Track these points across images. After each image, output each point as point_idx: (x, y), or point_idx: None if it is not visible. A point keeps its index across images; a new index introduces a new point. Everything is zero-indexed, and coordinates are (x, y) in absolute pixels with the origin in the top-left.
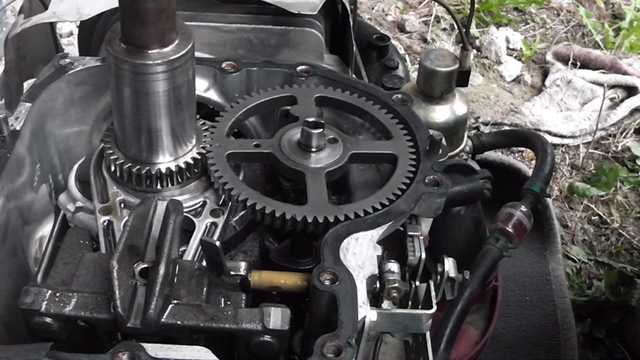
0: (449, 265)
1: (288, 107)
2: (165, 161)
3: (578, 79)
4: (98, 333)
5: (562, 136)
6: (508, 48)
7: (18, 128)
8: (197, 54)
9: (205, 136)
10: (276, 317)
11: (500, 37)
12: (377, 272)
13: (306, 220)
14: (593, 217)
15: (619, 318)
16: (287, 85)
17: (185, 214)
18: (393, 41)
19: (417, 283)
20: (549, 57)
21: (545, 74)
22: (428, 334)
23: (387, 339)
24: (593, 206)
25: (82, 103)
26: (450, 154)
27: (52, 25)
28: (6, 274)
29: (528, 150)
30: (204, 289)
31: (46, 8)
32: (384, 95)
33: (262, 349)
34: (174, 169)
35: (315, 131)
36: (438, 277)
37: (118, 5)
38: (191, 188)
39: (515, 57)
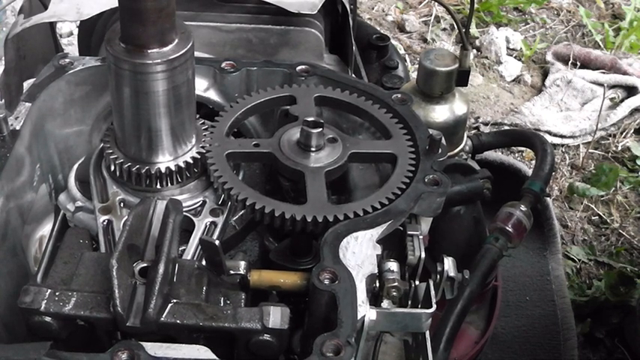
0: (448, 264)
1: (288, 107)
2: (164, 161)
3: (578, 79)
4: (98, 332)
5: (562, 136)
6: (508, 48)
7: (18, 128)
8: (197, 54)
9: (205, 135)
10: (276, 316)
11: (500, 37)
12: (376, 271)
13: (305, 219)
14: (593, 217)
15: (619, 318)
16: (287, 84)
17: (185, 213)
18: (393, 41)
19: (417, 282)
20: (549, 57)
21: (545, 74)
22: (427, 333)
23: (387, 338)
24: (593, 206)
25: (82, 103)
26: (449, 153)
27: (52, 25)
28: (6, 273)
29: (528, 150)
30: (204, 288)
31: (46, 8)
32: (384, 95)
33: (262, 348)
34: (173, 168)
35: (314, 131)
36: (438, 276)
37: (117, 5)
38: (191, 188)
39: (515, 57)
